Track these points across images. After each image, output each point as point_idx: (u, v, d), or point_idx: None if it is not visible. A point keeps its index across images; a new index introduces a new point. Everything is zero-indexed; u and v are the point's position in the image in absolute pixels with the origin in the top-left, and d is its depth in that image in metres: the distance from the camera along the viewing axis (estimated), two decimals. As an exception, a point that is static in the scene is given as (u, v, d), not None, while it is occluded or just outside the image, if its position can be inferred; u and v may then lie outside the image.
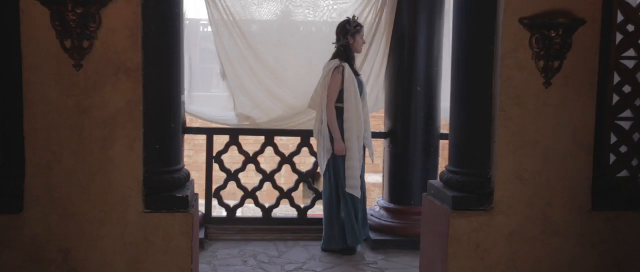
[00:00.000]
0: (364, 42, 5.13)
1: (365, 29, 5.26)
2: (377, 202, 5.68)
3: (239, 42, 5.38)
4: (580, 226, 3.51)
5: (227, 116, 5.62)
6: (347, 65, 4.96)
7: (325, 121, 4.96)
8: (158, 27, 3.36)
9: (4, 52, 3.21)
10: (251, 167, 5.62)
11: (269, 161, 5.98)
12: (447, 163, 3.77)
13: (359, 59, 5.33)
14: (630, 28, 3.54)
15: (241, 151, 5.59)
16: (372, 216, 5.52)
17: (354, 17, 5.07)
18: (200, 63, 5.71)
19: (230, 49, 5.39)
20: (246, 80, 5.45)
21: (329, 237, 5.11)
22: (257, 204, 5.68)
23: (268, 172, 5.62)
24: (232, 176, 5.58)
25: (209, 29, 5.43)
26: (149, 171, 3.32)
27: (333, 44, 5.08)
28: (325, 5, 5.55)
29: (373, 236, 5.28)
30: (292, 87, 5.56)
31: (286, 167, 5.75)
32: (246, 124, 5.56)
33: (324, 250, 5.15)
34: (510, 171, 3.44)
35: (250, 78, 5.45)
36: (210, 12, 5.30)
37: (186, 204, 3.38)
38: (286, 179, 6.56)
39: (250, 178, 6.01)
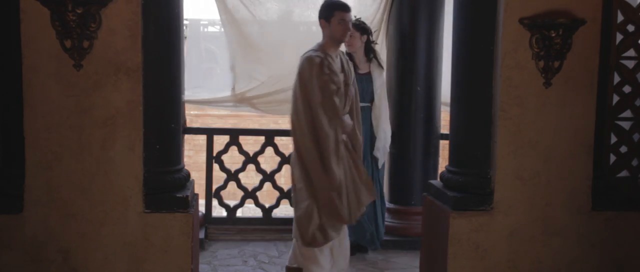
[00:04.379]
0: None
1: (373, 30, 5.25)
2: (377, 202, 5.68)
3: (244, 40, 5.41)
4: (580, 226, 3.51)
5: (223, 97, 5.60)
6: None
7: None
8: (158, 27, 3.36)
9: (4, 52, 3.21)
10: (251, 167, 5.62)
11: (269, 160, 5.97)
12: (447, 163, 3.77)
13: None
14: (630, 28, 3.54)
15: (241, 151, 5.59)
16: (372, 216, 5.51)
17: (358, 18, 5.07)
18: (200, 63, 5.70)
19: (238, 43, 5.41)
20: (251, 68, 5.45)
21: None
22: (257, 204, 5.68)
23: (268, 172, 5.62)
24: (232, 176, 5.58)
25: (209, 29, 5.44)
26: (149, 171, 3.32)
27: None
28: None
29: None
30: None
31: (286, 167, 5.71)
32: (243, 107, 5.56)
33: None
34: (510, 171, 3.44)
35: (255, 66, 5.46)
36: (220, 9, 5.32)
37: (186, 204, 3.38)
38: (286, 179, 6.51)
39: (250, 178, 6.00)
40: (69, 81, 3.18)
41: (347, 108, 3.95)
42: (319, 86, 3.74)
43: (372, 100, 5.03)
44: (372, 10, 5.43)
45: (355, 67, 5.02)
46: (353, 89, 4.03)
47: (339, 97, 3.83)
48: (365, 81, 5.02)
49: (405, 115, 5.37)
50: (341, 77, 3.88)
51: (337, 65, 3.88)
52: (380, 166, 5.11)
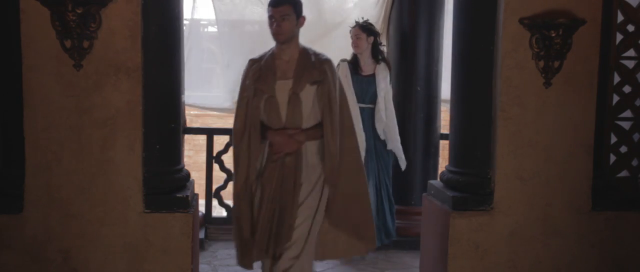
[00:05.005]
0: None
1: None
2: (377, 202, 5.68)
3: (242, 40, 5.43)
4: (580, 226, 3.51)
5: (224, 104, 5.61)
6: (343, 63, 4.98)
7: None
8: (158, 27, 3.36)
9: (4, 52, 3.21)
10: (251, 167, 5.61)
11: (269, 160, 5.96)
12: (447, 163, 3.77)
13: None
14: (630, 28, 3.54)
15: (241, 150, 5.59)
16: (372, 216, 5.51)
17: (362, 18, 5.06)
18: (200, 63, 5.70)
19: (233, 43, 5.41)
20: None
21: None
22: (257, 204, 5.68)
23: (268, 172, 5.61)
24: (232, 176, 5.57)
25: (209, 29, 5.44)
26: (149, 171, 3.32)
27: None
28: (328, 6, 5.56)
29: (373, 235, 5.28)
30: None
31: (286, 167, 5.73)
32: None
33: None
34: (510, 171, 3.44)
35: None
36: (217, 11, 5.32)
37: (186, 204, 3.38)
38: (286, 178, 6.53)
39: (250, 178, 5.99)
40: (69, 81, 3.18)
41: (300, 120, 3.22)
42: (240, 93, 3.33)
43: (374, 102, 5.01)
44: (375, 12, 5.42)
45: (359, 69, 5.02)
46: (322, 99, 3.22)
47: (272, 106, 3.21)
48: (367, 83, 4.98)
49: (405, 115, 5.37)
50: (284, 83, 3.21)
51: (282, 68, 3.24)
52: (403, 167, 5.11)
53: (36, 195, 3.23)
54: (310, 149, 3.26)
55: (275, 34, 3.24)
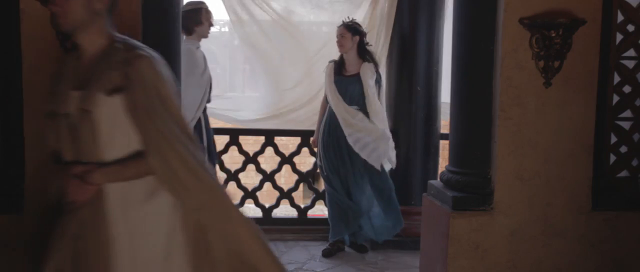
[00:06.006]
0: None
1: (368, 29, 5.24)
2: (377, 202, 5.67)
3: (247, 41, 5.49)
4: (580, 226, 3.51)
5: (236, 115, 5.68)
6: (330, 64, 5.00)
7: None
8: (158, 26, 3.35)
9: (4, 52, 3.21)
10: (251, 167, 5.62)
11: (269, 160, 5.97)
12: (447, 163, 3.77)
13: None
14: (630, 28, 3.54)
15: (241, 151, 5.59)
16: (372, 215, 5.51)
17: (348, 17, 5.05)
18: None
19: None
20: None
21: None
22: (257, 204, 5.67)
23: (268, 172, 5.62)
24: (232, 176, 5.58)
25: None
26: (149, 170, 3.31)
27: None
28: (326, 4, 5.56)
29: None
30: (291, 87, 5.59)
31: (286, 167, 5.74)
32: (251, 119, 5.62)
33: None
34: (510, 171, 3.44)
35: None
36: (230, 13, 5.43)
37: (186, 204, 3.37)
38: (286, 179, 6.55)
39: (250, 178, 6.00)
40: (69, 81, 3.18)
41: (94, 150, 2.21)
42: None
43: (356, 102, 4.97)
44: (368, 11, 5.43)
45: (343, 69, 5.00)
46: (133, 115, 2.17)
47: (58, 129, 2.32)
48: (348, 83, 4.94)
49: (405, 115, 5.37)
50: (77, 95, 2.23)
51: (80, 72, 2.26)
52: (387, 168, 5.10)
53: (36, 195, 3.22)
54: (122, 195, 2.21)
55: (56, 19, 2.20)
